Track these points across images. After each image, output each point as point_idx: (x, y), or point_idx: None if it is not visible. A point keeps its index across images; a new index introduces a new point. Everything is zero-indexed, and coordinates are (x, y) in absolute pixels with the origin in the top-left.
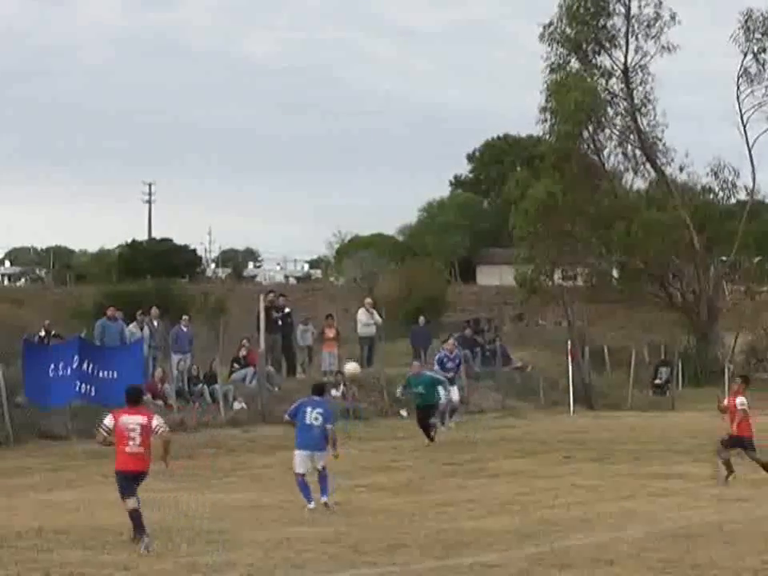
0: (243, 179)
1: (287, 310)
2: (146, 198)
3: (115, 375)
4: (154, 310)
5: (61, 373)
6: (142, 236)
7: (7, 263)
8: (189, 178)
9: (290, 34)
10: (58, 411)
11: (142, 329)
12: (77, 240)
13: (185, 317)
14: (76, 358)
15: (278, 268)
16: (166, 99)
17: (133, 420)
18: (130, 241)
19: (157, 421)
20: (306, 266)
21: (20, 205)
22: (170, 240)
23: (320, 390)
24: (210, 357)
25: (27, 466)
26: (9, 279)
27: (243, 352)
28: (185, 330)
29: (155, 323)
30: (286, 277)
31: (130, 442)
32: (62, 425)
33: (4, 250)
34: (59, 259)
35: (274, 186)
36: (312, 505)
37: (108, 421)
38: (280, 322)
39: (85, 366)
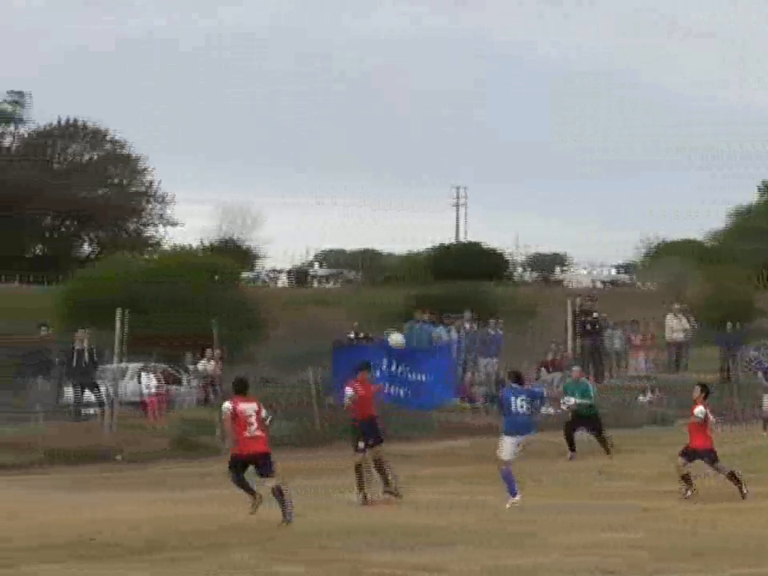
0: (550, 184)
1: (596, 314)
2: (455, 201)
3: (425, 378)
4: (466, 313)
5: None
6: (451, 240)
7: (316, 265)
8: (499, 183)
9: (584, 39)
10: None
11: (452, 331)
12: (386, 242)
13: (493, 320)
14: (385, 360)
15: (586, 272)
16: (469, 103)
17: (249, 407)
18: (437, 244)
19: (265, 412)
20: (614, 271)
21: (331, 207)
22: (479, 244)
23: (517, 376)
24: (517, 360)
25: (338, 466)
26: (320, 281)
27: (551, 356)
28: (493, 333)
29: (466, 326)
30: (594, 281)
31: (250, 427)
32: None
33: (315, 252)
34: (369, 262)
35: (582, 191)
36: (518, 497)
37: (228, 405)
38: (589, 327)
39: (394, 368)
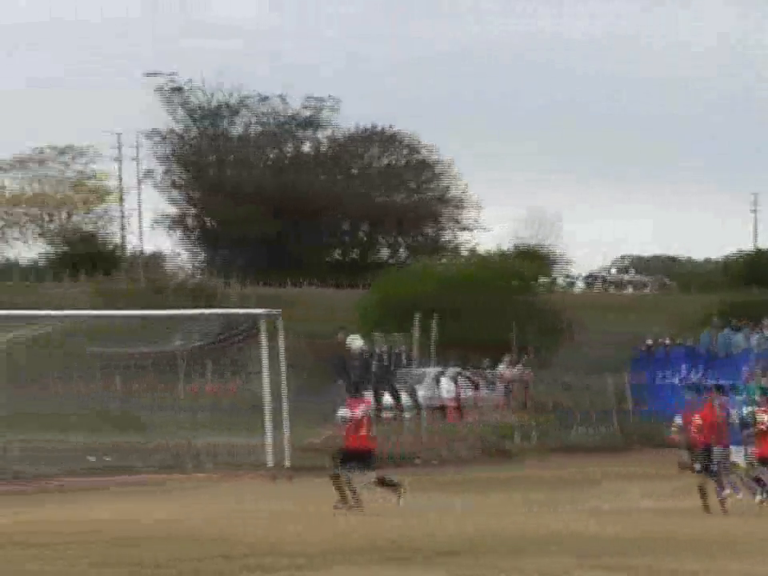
0: None
1: None
2: (753, 207)
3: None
4: (766, 320)
5: (668, 381)
6: (749, 246)
7: (613, 270)
8: None
9: None
10: (665, 418)
11: (753, 338)
12: (685, 248)
13: None
14: (685, 366)
15: None
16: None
17: (363, 409)
18: (735, 250)
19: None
20: None
21: (631, 212)
22: None
23: (721, 388)
24: None
25: (637, 473)
26: (615, 287)
27: None
28: None
29: (766, 333)
30: None
31: (364, 428)
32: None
33: (614, 257)
34: (668, 267)
35: None
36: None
37: (346, 413)
38: None
39: (693, 374)
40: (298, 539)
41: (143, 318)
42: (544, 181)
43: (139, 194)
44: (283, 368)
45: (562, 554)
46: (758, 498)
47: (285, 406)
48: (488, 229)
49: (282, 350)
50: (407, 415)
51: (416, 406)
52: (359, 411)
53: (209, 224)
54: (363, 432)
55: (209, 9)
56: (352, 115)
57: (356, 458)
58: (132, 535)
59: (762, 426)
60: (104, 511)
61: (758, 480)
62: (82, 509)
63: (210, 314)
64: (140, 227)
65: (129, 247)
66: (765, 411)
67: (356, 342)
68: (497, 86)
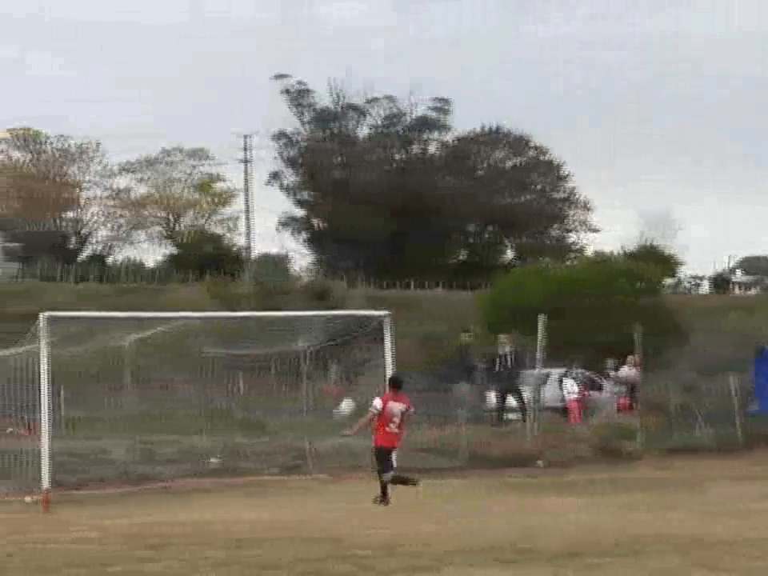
0: None
1: None
2: None
3: None
4: None
5: None
6: None
7: (738, 272)
8: None
9: None
10: None
11: None
12: None
13: None
14: None
15: None
16: None
17: (397, 407)
18: None
19: (413, 408)
20: None
21: (756, 213)
22: None
23: None
24: None
25: (755, 474)
26: (741, 288)
27: None
28: None
29: None
30: None
31: (391, 424)
32: None
33: (736, 258)
34: None
35: None
36: None
37: (378, 403)
38: None
39: None
40: (417, 540)
41: (266, 319)
42: (668, 180)
43: (247, 194)
44: (390, 369)
45: (678, 555)
46: None
47: None
48: (609, 230)
49: (389, 351)
50: (530, 416)
51: (538, 407)
52: (390, 407)
53: (332, 225)
54: (389, 429)
55: (331, 11)
56: (465, 116)
57: (387, 453)
58: (251, 536)
59: None
60: (224, 512)
61: None
62: (202, 510)
63: (330, 316)
64: (248, 228)
65: (252, 248)
66: None
67: (345, 403)
68: (607, 85)
